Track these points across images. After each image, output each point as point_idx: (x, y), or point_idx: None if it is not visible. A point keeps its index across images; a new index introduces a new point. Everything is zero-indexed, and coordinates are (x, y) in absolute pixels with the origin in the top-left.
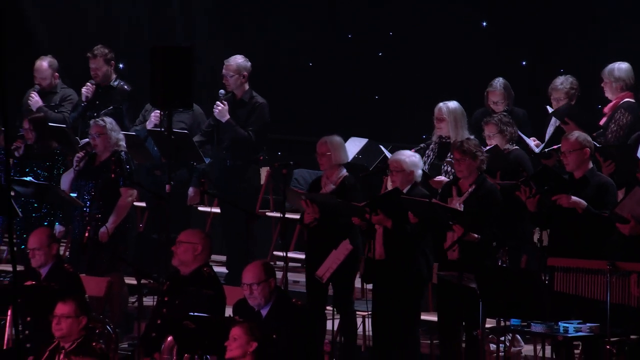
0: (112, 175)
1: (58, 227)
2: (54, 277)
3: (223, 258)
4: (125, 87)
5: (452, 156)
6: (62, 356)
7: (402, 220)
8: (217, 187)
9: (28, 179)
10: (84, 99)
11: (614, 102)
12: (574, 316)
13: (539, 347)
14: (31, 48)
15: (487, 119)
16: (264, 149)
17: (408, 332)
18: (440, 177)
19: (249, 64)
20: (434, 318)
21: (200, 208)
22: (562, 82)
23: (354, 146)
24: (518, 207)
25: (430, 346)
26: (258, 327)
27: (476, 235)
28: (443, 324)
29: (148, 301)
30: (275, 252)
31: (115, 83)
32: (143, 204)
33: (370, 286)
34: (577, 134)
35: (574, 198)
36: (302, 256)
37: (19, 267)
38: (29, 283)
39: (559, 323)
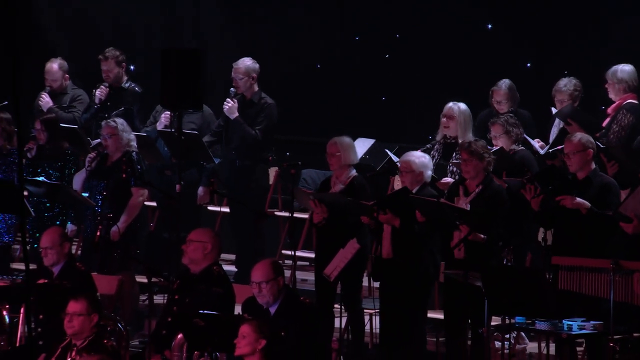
0: (124, 175)
1: (70, 227)
2: (66, 275)
3: (232, 257)
4: (136, 88)
5: (458, 156)
6: (73, 353)
7: (410, 220)
8: (227, 186)
9: (40, 179)
10: (97, 101)
11: (616, 103)
12: (577, 314)
13: (543, 345)
14: (43, 51)
15: (494, 119)
16: (272, 150)
17: (415, 330)
18: (446, 178)
19: (257, 65)
20: (440, 316)
21: (210, 207)
22: (566, 84)
23: (361, 147)
24: (523, 206)
25: (437, 343)
26: (267, 324)
27: (482, 236)
28: (449, 322)
29: (158, 299)
30: (283, 251)
31: (127, 85)
32: (154, 204)
33: (377, 284)
34: (579, 136)
35: (577, 199)
36: (310, 255)
37: (32, 266)
38: (41, 281)
39: (563, 321)
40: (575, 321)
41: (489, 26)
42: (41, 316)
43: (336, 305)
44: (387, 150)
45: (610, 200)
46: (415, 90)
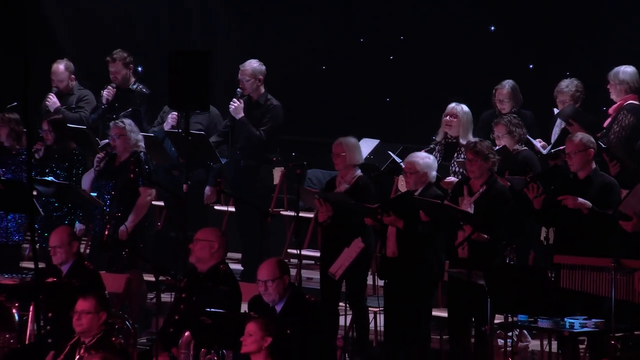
0: (132, 175)
1: (78, 226)
2: (75, 274)
3: (239, 255)
4: (144, 90)
5: (463, 156)
6: (82, 351)
7: (414, 221)
8: (232, 186)
9: (50, 178)
10: (104, 101)
11: (618, 103)
12: (579, 312)
13: (545, 342)
14: (50, 52)
15: (497, 120)
16: (277, 150)
17: (419, 328)
18: (450, 177)
19: (263, 67)
20: (444, 314)
21: (216, 207)
22: (568, 85)
23: (365, 147)
24: (526, 205)
25: (440, 341)
26: (272, 322)
27: (486, 236)
28: (453, 320)
29: (166, 297)
30: (289, 250)
31: (134, 86)
32: (161, 203)
33: (381, 283)
34: (580, 136)
35: (579, 199)
36: (316, 254)
37: (41, 265)
38: (50, 280)
39: (565, 319)
40: (577, 319)
41: (492, 28)
42: (50, 314)
43: (341, 304)
44: (390, 152)
45: (611, 199)
46: (419, 91)
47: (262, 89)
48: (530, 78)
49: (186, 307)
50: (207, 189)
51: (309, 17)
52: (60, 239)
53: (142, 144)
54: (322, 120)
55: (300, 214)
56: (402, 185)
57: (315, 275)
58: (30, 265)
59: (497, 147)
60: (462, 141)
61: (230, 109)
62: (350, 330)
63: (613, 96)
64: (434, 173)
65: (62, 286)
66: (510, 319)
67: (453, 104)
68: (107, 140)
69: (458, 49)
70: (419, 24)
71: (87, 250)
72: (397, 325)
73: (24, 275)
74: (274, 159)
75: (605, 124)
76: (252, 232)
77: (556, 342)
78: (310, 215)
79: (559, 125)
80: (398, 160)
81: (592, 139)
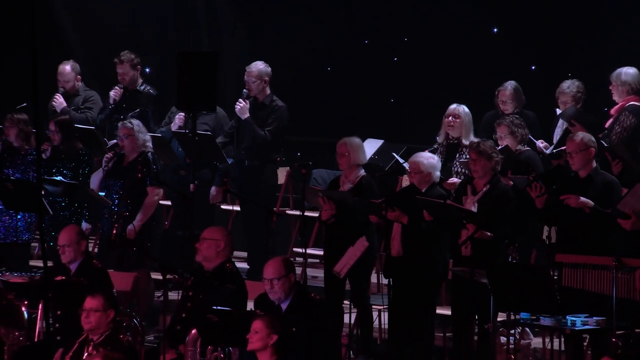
0: (139, 175)
1: (84, 225)
2: (83, 272)
3: (244, 254)
4: (151, 91)
5: (465, 156)
6: (90, 348)
7: (418, 218)
8: (237, 186)
9: (58, 178)
10: (111, 101)
11: (619, 104)
12: (581, 310)
13: (547, 340)
14: (58, 53)
15: (500, 120)
16: (281, 150)
17: (423, 326)
18: (453, 179)
19: (269, 69)
20: (448, 312)
21: (223, 206)
22: (569, 86)
23: (370, 147)
24: (528, 204)
25: (444, 339)
26: (278, 320)
27: (489, 234)
28: (456, 318)
29: (173, 295)
30: (294, 249)
31: (142, 87)
32: (168, 203)
33: (386, 281)
34: (581, 135)
35: (582, 198)
36: (321, 252)
37: (49, 263)
38: (59, 278)
39: (567, 317)
40: (579, 317)
41: (495, 30)
42: (59, 312)
43: (345, 302)
44: (394, 154)
45: (612, 198)
46: (423, 92)
47: (268, 90)
48: (531, 78)
49: (193, 305)
50: (213, 189)
51: (313, 18)
52: (68, 237)
53: (149, 144)
54: (327, 120)
55: (306, 213)
56: (406, 184)
57: (321, 273)
58: (40, 263)
59: (500, 147)
60: (465, 141)
61: (236, 110)
62: (354, 327)
63: (615, 97)
64: (438, 173)
65: (71, 284)
66: (512, 317)
67: (454, 105)
68: (115, 141)
69: (462, 50)
70: (422, 25)
71: (96, 249)
72: (401, 323)
73: (33, 274)
74: (278, 159)
75: (607, 124)
76: (257, 231)
77: (559, 340)
78: (316, 214)
79: (560, 125)
80: (401, 161)
81: (593, 138)
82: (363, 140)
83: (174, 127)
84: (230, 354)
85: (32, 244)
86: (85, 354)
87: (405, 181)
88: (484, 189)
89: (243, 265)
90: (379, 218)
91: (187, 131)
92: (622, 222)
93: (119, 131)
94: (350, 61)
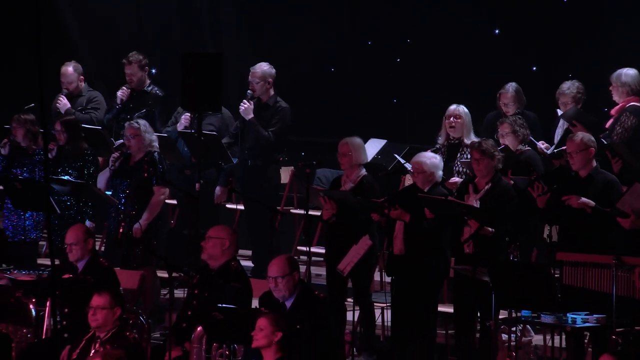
0: (146, 175)
1: (88, 224)
2: (90, 270)
3: (249, 253)
4: (158, 92)
5: (466, 156)
6: (97, 345)
7: (420, 216)
8: (240, 185)
9: (65, 177)
10: (118, 101)
11: (620, 105)
12: (581, 308)
13: (548, 337)
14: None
15: (502, 119)
16: (284, 151)
17: (425, 323)
18: (454, 178)
19: (273, 70)
20: (450, 309)
21: (228, 205)
22: (569, 87)
23: (373, 147)
24: (529, 204)
25: (446, 336)
26: (283, 318)
27: (490, 229)
28: (458, 316)
29: (179, 293)
30: (299, 247)
31: (149, 88)
32: (174, 202)
33: (388, 279)
34: (581, 135)
35: (583, 199)
36: (324, 251)
37: (57, 261)
38: (66, 276)
39: (568, 314)
40: (579, 315)
41: (496, 31)
42: (66, 310)
43: (348, 299)
44: (396, 155)
45: (613, 197)
46: (425, 93)
47: (272, 91)
48: (532, 79)
49: (199, 303)
50: (218, 189)
51: (315, 19)
52: (75, 236)
53: (156, 144)
54: (331, 121)
55: (310, 212)
56: (409, 184)
57: (324, 272)
58: (47, 262)
59: (500, 147)
60: (467, 141)
61: (240, 110)
62: (357, 325)
63: (615, 98)
64: (440, 173)
65: (78, 282)
66: (514, 315)
67: (454, 106)
68: (121, 141)
69: (463, 51)
70: (424, 27)
71: (102, 248)
72: (403, 321)
73: (40, 272)
74: (280, 159)
75: (608, 125)
76: (262, 230)
77: (559, 337)
78: (319, 213)
79: (561, 126)
80: (403, 161)
81: (593, 138)
82: (366, 141)
83: (179, 127)
84: (235, 351)
85: (40, 243)
86: (92, 351)
87: (409, 180)
88: (486, 187)
89: (248, 263)
90: (381, 216)
91: (192, 131)
92: (621, 221)
93: (125, 131)
94: (354, 62)
